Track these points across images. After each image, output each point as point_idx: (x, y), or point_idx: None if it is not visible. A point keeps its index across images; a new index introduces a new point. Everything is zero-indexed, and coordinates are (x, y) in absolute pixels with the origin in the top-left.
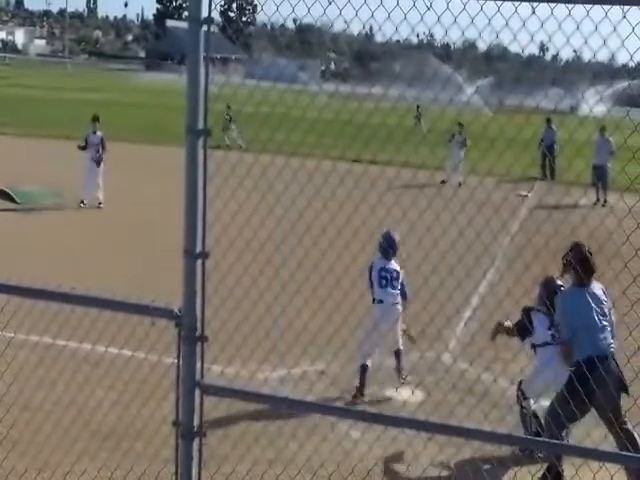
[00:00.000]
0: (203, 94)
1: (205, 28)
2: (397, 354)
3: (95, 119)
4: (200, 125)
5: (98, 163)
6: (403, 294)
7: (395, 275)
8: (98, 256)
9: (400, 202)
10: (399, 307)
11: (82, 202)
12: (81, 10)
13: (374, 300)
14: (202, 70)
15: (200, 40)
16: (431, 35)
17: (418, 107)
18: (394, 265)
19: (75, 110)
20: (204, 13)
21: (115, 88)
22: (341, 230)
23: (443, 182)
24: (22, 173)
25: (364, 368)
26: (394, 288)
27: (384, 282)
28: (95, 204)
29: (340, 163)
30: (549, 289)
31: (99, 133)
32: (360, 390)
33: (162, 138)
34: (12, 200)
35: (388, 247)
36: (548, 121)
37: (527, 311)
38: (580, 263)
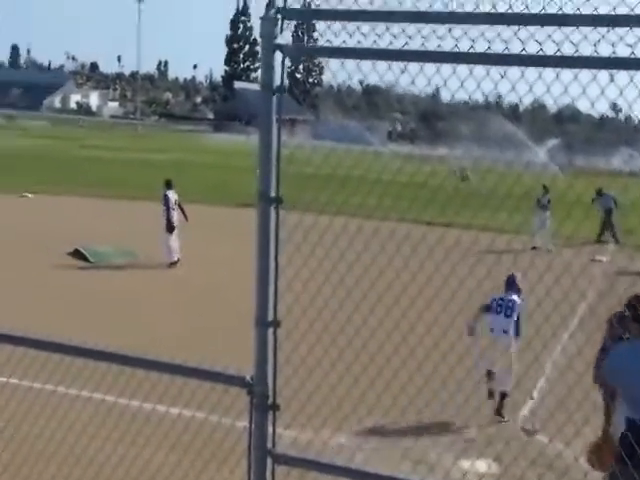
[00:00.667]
0: (275, 161)
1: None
2: (502, 396)
3: (168, 183)
4: (272, 192)
5: (172, 224)
6: (516, 329)
7: (510, 304)
8: (168, 317)
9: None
10: (510, 336)
11: (176, 262)
12: (152, 72)
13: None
14: (274, 138)
15: (272, 107)
16: (499, 95)
17: (463, 168)
18: (512, 296)
19: (143, 171)
20: (276, 80)
21: (183, 149)
22: (415, 299)
23: (534, 248)
24: (94, 232)
25: (490, 393)
26: (507, 317)
27: (498, 309)
28: (167, 263)
29: (417, 226)
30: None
31: (174, 194)
32: (498, 411)
33: (231, 199)
34: (85, 259)
35: (509, 282)
36: (599, 191)
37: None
38: None
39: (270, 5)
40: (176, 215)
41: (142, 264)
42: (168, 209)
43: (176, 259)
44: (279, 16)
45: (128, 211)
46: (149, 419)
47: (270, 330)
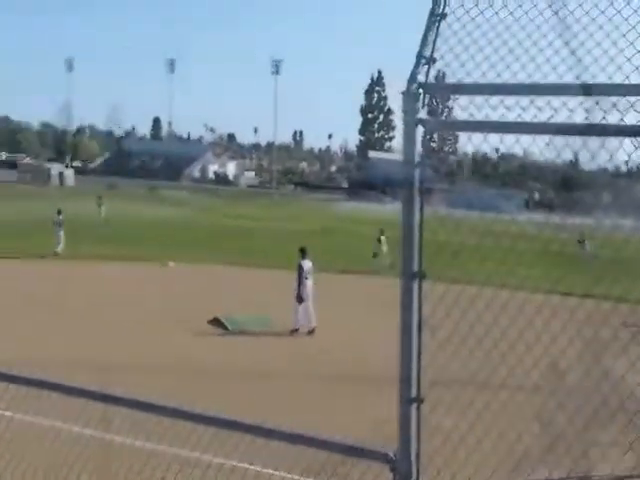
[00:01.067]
0: (418, 237)
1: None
2: None
3: (302, 251)
4: (415, 267)
5: (302, 294)
6: None
7: None
8: (304, 387)
9: None
10: None
11: (309, 329)
12: (288, 142)
13: None
14: (417, 212)
15: (415, 182)
16: None
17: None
18: None
19: (280, 238)
20: (417, 154)
21: (319, 217)
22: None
23: None
24: (234, 300)
25: None
26: None
27: None
28: (305, 331)
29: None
30: None
31: (308, 262)
32: None
33: (362, 265)
34: (224, 327)
35: None
36: None
37: None
38: None
39: (412, 79)
40: (309, 284)
41: (276, 332)
42: (300, 277)
43: (298, 327)
44: (421, 91)
45: (267, 279)
46: None
47: (414, 406)
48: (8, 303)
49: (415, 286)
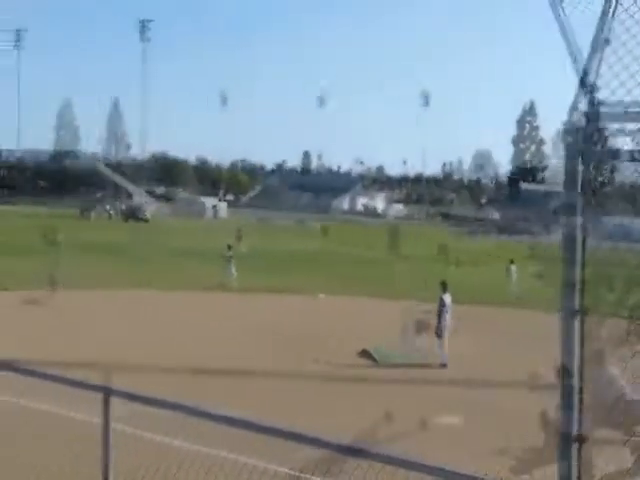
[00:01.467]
0: (580, 275)
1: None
2: None
3: (444, 285)
4: (576, 305)
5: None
6: None
7: None
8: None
9: None
10: None
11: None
12: (437, 174)
13: None
14: (579, 243)
15: (577, 213)
16: None
17: None
18: None
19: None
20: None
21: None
22: None
23: None
24: (379, 332)
25: None
26: None
27: None
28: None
29: None
30: None
31: (448, 297)
32: None
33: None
34: (374, 359)
35: None
36: None
37: None
38: None
39: (573, 108)
40: (449, 318)
41: (423, 364)
42: (440, 312)
43: (445, 362)
44: (583, 119)
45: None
46: None
47: (575, 445)
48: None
49: (575, 324)
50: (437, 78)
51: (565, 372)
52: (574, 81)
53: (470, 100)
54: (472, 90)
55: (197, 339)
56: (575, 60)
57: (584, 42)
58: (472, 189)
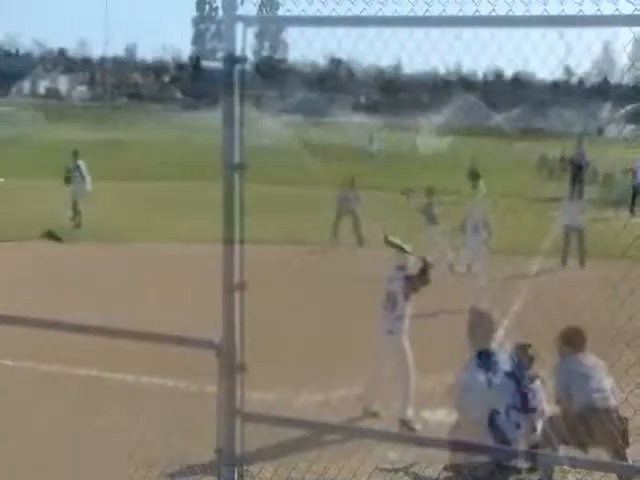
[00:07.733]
0: (238, 130)
1: (239, 67)
2: None
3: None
4: (236, 159)
5: None
6: None
7: None
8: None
9: None
10: None
11: None
12: (120, 56)
13: None
14: (237, 107)
15: (235, 78)
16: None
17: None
18: None
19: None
20: (238, 52)
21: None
22: None
23: None
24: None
25: None
26: None
27: None
28: None
29: None
30: None
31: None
32: None
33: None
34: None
35: None
36: None
37: None
38: None
39: None
40: None
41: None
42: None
43: None
44: None
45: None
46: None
47: (237, 293)
48: None
49: (236, 176)
50: None
51: (227, 234)
52: None
53: None
54: None
55: None
56: None
57: None
58: (156, 69)
